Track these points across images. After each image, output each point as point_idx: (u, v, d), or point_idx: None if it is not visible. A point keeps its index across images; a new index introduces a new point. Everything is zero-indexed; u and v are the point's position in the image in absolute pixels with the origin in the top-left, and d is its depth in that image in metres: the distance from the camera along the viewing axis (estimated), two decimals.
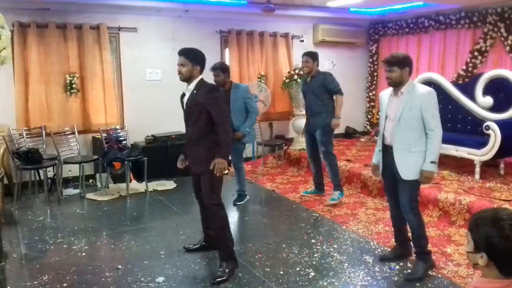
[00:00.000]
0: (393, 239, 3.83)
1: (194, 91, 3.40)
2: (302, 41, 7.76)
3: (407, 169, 3.35)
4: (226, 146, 3.35)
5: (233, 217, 4.87)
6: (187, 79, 3.42)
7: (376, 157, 3.65)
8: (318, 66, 5.20)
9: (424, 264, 3.44)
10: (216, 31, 7.03)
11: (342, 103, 5.14)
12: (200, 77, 3.43)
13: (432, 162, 3.28)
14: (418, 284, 3.32)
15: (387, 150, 3.49)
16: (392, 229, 3.78)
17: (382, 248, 3.94)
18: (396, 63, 3.31)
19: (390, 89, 3.50)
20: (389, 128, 3.43)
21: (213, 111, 3.32)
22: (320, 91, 5.11)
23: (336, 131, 5.31)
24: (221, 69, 4.89)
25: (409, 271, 3.49)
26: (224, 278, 3.35)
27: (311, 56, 5.15)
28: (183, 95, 3.54)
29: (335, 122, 5.09)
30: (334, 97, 5.15)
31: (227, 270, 3.40)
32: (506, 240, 1.40)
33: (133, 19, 6.43)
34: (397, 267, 3.59)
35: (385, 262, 3.66)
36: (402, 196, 3.44)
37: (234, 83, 5.13)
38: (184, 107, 3.51)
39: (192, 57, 3.39)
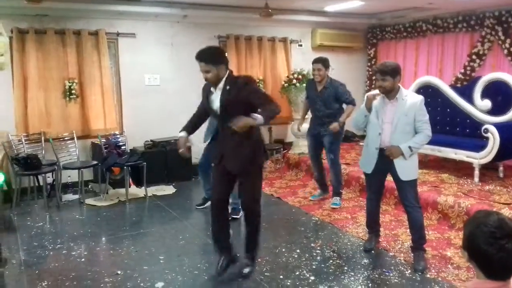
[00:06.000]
0: (370, 233, 4.06)
1: (227, 87, 3.23)
2: (301, 45, 7.78)
3: (407, 171, 3.56)
4: (267, 115, 3.10)
5: (231, 221, 4.85)
6: (216, 82, 3.26)
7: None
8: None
9: (424, 255, 3.69)
10: (214, 36, 7.04)
11: (351, 112, 4.91)
12: (227, 73, 3.26)
13: (410, 147, 3.45)
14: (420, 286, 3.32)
15: (381, 152, 3.60)
16: (370, 224, 4.01)
17: (381, 252, 3.95)
18: (389, 73, 3.45)
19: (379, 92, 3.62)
20: (387, 132, 3.56)
21: (254, 99, 3.18)
22: (330, 101, 5.01)
23: None
24: None
25: (416, 263, 3.61)
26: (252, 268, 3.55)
27: (323, 63, 4.98)
28: (209, 93, 3.35)
29: (335, 125, 4.87)
30: (345, 106, 5.02)
31: (254, 260, 3.60)
32: (484, 243, 1.42)
33: (132, 25, 6.44)
34: (394, 272, 3.59)
35: (369, 253, 3.94)
36: (407, 195, 3.61)
37: None
38: (214, 106, 3.32)
39: (212, 60, 3.20)
